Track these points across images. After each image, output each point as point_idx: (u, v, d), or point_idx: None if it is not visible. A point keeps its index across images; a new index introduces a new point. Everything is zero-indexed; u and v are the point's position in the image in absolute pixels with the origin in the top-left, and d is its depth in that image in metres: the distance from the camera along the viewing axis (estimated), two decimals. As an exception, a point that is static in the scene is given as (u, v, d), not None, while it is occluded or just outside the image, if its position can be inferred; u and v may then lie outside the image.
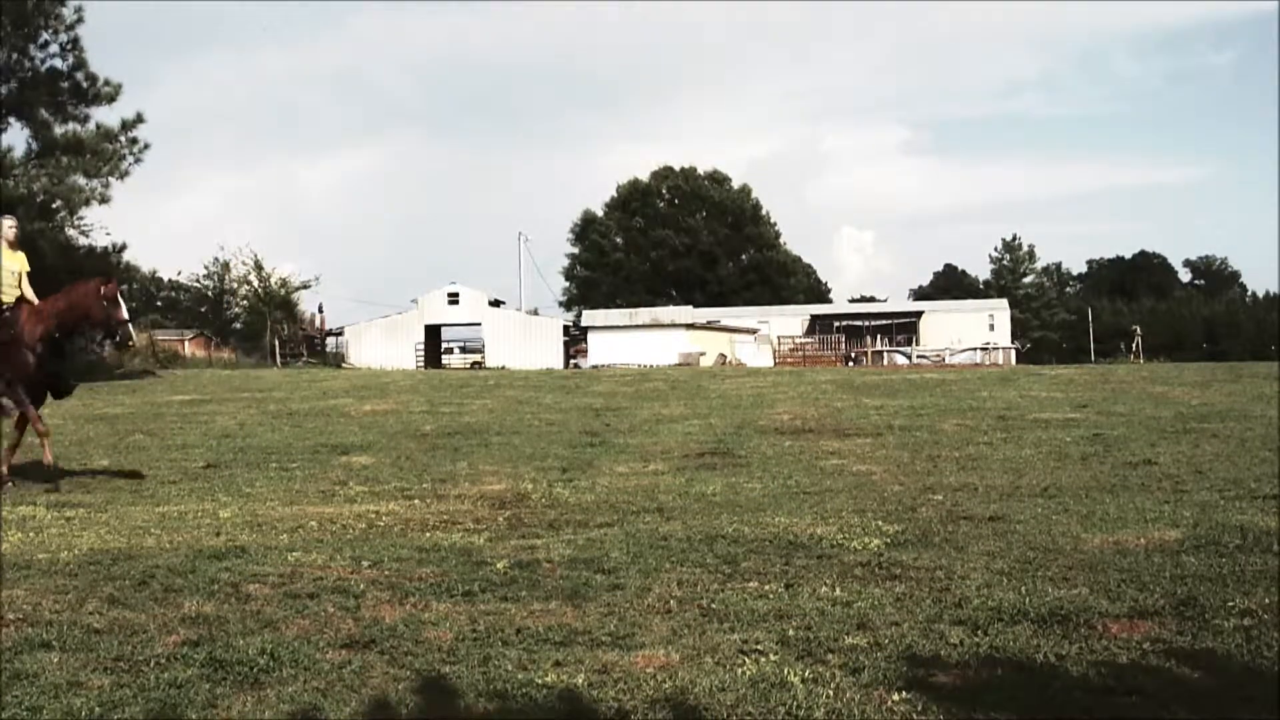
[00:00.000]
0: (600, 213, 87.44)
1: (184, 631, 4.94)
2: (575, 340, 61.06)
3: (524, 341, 58.15)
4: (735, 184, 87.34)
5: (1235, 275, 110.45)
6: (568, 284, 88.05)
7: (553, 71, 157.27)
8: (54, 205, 29.72)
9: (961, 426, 13.61)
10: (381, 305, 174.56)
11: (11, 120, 30.58)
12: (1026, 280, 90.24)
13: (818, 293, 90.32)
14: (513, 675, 4.29)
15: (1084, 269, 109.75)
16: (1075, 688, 4.08)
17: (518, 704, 4.02)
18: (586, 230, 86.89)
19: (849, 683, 4.14)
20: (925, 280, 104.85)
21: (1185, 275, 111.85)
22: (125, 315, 10.04)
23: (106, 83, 31.08)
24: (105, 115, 31.62)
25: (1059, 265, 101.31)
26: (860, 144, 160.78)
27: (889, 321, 65.58)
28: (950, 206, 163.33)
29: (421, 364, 55.99)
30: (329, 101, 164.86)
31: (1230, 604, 5.04)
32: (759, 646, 4.58)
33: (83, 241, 30.92)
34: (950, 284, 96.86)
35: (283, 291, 59.01)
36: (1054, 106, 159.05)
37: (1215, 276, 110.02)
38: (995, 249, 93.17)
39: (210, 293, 67.03)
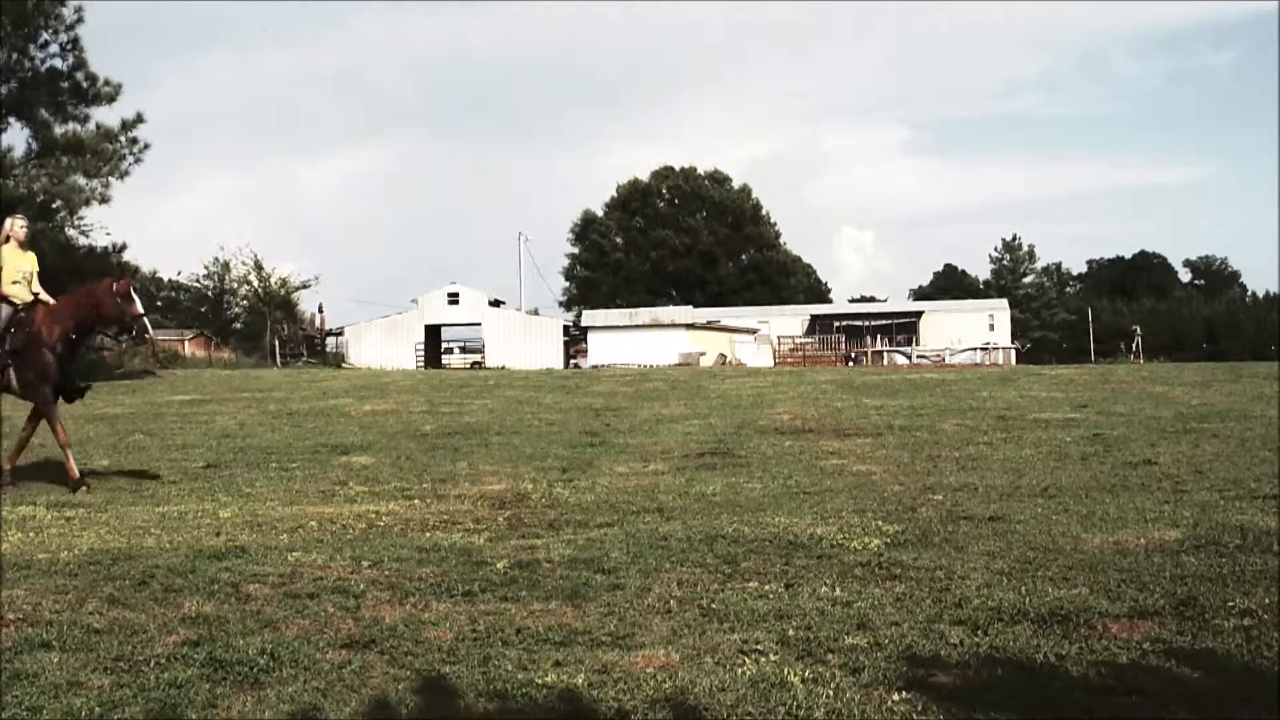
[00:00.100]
0: (600, 213, 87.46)
1: (184, 631, 4.94)
2: (575, 340, 61.06)
3: (524, 341, 58.15)
4: (735, 184, 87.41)
5: (1235, 275, 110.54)
6: (568, 284, 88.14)
7: (553, 71, 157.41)
8: (54, 205, 29.71)
9: (961, 426, 13.61)
10: (381, 305, 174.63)
11: (11, 120, 30.58)
12: (1026, 280, 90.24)
13: (818, 293, 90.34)
14: (513, 675, 4.29)
15: (1084, 269, 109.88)
16: (1075, 688, 4.08)
17: (518, 704, 4.02)
18: (586, 230, 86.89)
19: (849, 683, 4.14)
20: (925, 280, 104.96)
21: (1185, 275, 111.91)
22: (140, 310, 10.03)
23: (106, 83, 31.08)
24: (105, 115, 31.62)
25: (1059, 265, 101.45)
26: (860, 144, 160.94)
27: (889, 321, 65.59)
28: (950, 206, 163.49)
29: (421, 364, 55.99)
30: (329, 101, 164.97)
31: (1230, 604, 5.04)
32: (759, 646, 4.58)
33: (83, 241, 30.93)
34: (950, 284, 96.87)
35: (283, 291, 59.02)
36: (1054, 106, 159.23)
37: (1215, 276, 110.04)
38: (995, 249, 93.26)
39: (210, 293, 67.03)
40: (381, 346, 57.56)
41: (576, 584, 5.74)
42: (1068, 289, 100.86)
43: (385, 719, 3.95)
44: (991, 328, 62.24)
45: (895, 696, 3.98)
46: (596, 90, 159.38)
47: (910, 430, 13.35)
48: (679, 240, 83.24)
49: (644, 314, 58.49)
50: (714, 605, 5.27)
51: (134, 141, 31.06)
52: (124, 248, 32.00)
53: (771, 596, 5.43)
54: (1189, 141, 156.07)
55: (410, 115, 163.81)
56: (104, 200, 30.32)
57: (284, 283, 59.22)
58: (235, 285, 63.20)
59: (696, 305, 66.07)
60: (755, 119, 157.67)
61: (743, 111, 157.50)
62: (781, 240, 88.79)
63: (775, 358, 56.07)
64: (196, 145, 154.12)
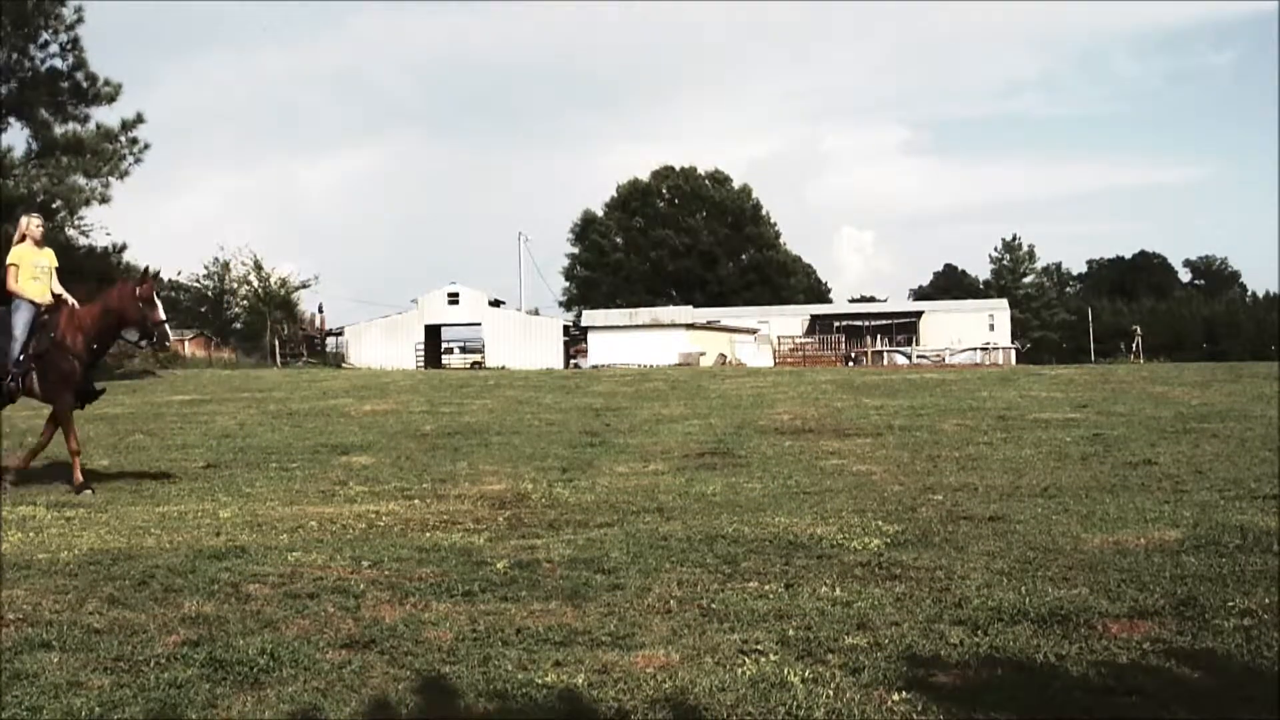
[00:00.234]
0: (600, 213, 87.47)
1: (184, 631, 4.94)
2: (575, 340, 61.06)
3: (524, 341, 58.15)
4: (735, 184, 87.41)
5: (1235, 275, 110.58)
6: (568, 284, 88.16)
7: (553, 71, 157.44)
8: (54, 205, 29.71)
9: (961, 426, 13.61)
10: (381, 305, 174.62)
11: (11, 120, 30.58)
12: (1026, 280, 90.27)
13: (818, 293, 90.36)
14: (513, 675, 4.29)
15: (1084, 269, 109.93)
16: (1075, 688, 4.08)
17: (518, 704, 4.02)
18: (586, 230, 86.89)
19: (849, 683, 4.14)
20: (925, 280, 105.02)
21: (1185, 275, 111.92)
22: (162, 316, 9.98)
23: (106, 83, 31.09)
24: (105, 115, 31.63)
25: (1059, 265, 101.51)
26: (860, 144, 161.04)
27: (889, 321, 65.59)
28: (950, 206, 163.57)
29: (421, 364, 55.99)
30: (329, 101, 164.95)
31: (1230, 604, 5.04)
32: (759, 646, 4.58)
33: (83, 241, 30.96)
34: (950, 284, 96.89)
35: (282, 291, 59.02)
36: (1054, 106, 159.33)
37: (1215, 276, 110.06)
38: (995, 249, 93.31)
39: (210, 293, 67.01)
40: (381, 346, 57.56)
41: (576, 584, 5.74)
42: (1068, 289, 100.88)
43: (385, 719, 3.95)
44: (991, 328, 62.25)
45: (895, 696, 3.98)
46: (596, 90, 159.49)
47: (910, 430, 13.35)
48: (679, 240, 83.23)
49: (644, 314, 58.49)
50: (714, 605, 5.27)
51: (134, 141, 31.08)
52: (124, 248, 32.06)
53: (771, 596, 5.42)
54: (1189, 141, 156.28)
55: (410, 115, 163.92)
56: (104, 200, 30.34)
57: (284, 283, 59.23)
58: (235, 285, 63.22)
59: (696, 305, 66.07)
60: (755, 119, 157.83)
61: (743, 111, 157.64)
62: (781, 240, 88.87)
63: (775, 358, 56.06)
64: (196, 145, 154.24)
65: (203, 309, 68.10)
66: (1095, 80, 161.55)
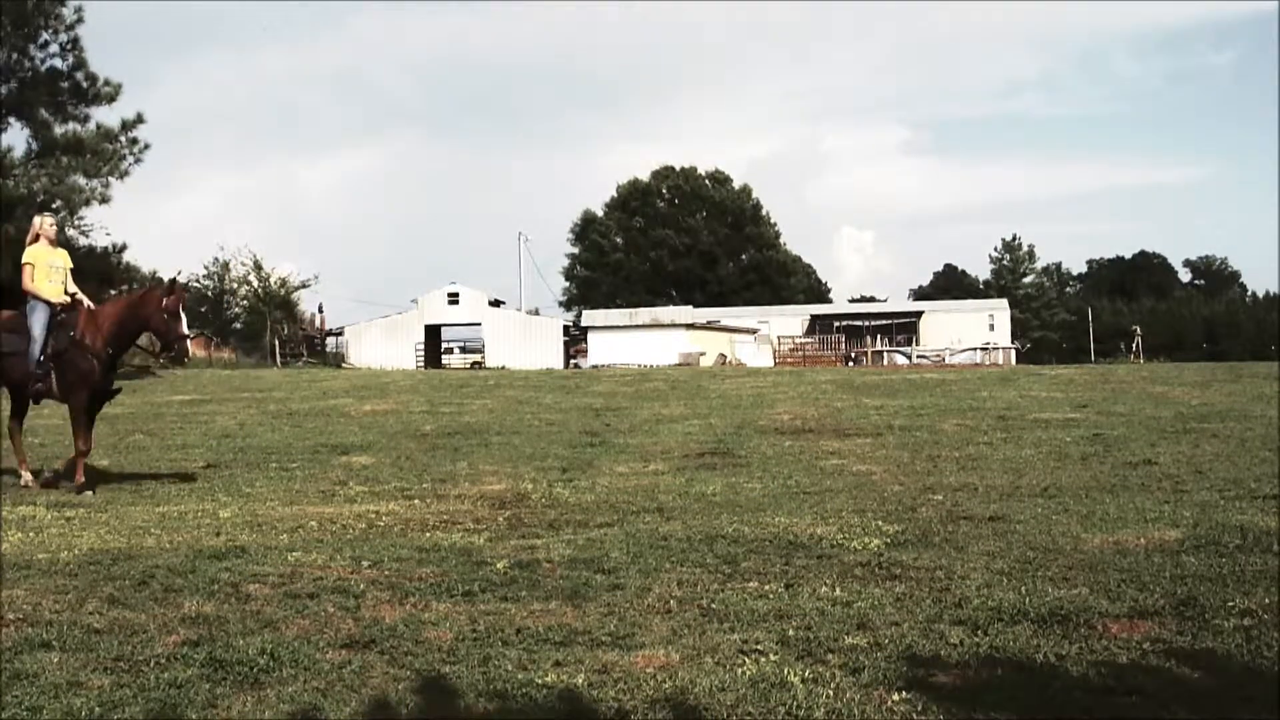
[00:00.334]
0: (600, 213, 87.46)
1: (184, 631, 4.94)
2: (575, 340, 61.05)
3: (524, 341, 58.15)
4: (735, 184, 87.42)
5: (1235, 275, 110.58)
6: (568, 284, 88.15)
7: (553, 71, 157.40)
8: (54, 205, 29.71)
9: (961, 426, 13.61)
10: (381, 305, 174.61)
11: (11, 120, 30.58)
12: (1026, 280, 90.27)
13: (818, 293, 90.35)
14: (513, 675, 4.29)
15: (1084, 269, 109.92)
16: (1075, 688, 4.08)
17: (518, 704, 4.02)
18: (586, 230, 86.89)
19: (849, 683, 4.14)
20: (925, 280, 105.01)
21: (1185, 275, 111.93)
22: (185, 330, 9.86)
23: (106, 83, 31.08)
24: (105, 115, 31.63)
25: (1059, 265, 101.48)
26: (860, 144, 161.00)
27: (889, 321, 65.59)
28: (950, 206, 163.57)
29: (421, 364, 55.99)
30: (329, 101, 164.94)
31: (1230, 604, 5.05)
32: (759, 646, 4.58)
33: (83, 241, 30.96)
34: (950, 284, 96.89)
35: (282, 291, 59.01)
36: (1054, 106, 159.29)
37: (1215, 276, 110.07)
38: (995, 249, 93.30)
39: (210, 293, 66.97)
40: (381, 346, 57.56)
41: (576, 584, 5.74)
42: (1068, 289, 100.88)
43: (385, 719, 3.95)
44: (991, 328, 62.25)
45: (895, 696, 3.98)
46: (596, 90, 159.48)
47: (910, 430, 13.35)
48: (679, 240, 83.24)
49: (644, 314, 58.48)
50: (714, 605, 5.27)
51: (134, 141, 31.08)
52: (124, 248, 32.06)
53: (771, 596, 5.43)
54: (1189, 141, 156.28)
55: (410, 115, 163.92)
56: (104, 200, 30.35)
57: (284, 283, 59.20)
58: (235, 285, 63.18)
59: (696, 305, 66.07)
60: (755, 119, 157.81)
61: (743, 111, 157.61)
62: (781, 240, 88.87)
63: (775, 358, 56.06)
64: (196, 145, 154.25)
65: (202, 309, 68.06)
66: (1095, 80, 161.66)
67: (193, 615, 5.21)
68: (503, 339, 58.85)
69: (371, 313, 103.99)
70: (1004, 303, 68.64)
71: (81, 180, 29.75)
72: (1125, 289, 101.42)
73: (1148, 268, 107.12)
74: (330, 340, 63.82)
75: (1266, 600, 5.07)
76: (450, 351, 66.09)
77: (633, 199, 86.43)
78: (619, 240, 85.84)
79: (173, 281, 10.04)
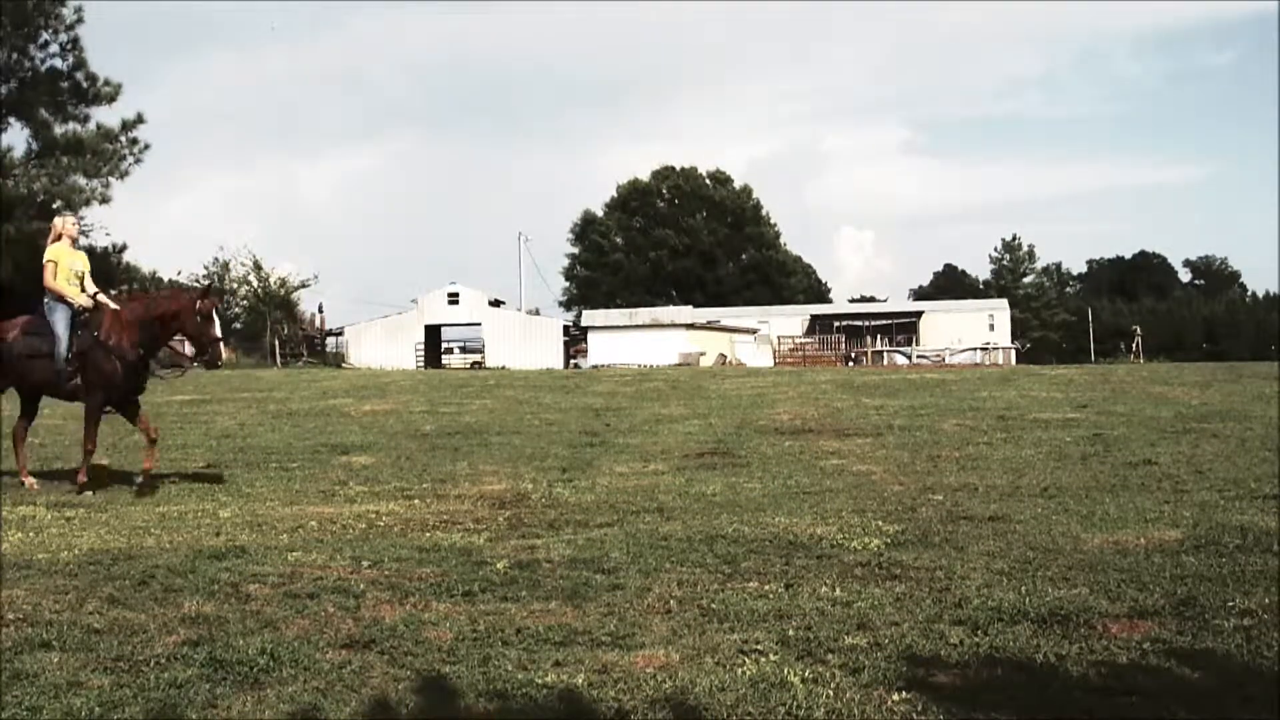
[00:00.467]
0: (600, 213, 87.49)
1: (184, 631, 4.94)
2: (575, 340, 61.06)
3: (524, 341, 58.16)
4: (735, 184, 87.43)
5: (1235, 275, 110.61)
6: (568, 284, 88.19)
7: (553, 71, 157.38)
8: (54, 205, 29.73)
9: (961, 426, 13.61)
10: (381, 305, 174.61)
11: (11, 120, 30.60)
12: (1026, 280, 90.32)
13: (818, 293, 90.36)
14: (513, 675, 4.29)
15: (1084, 269, 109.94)
16: (1075, 688, 4.08)
17: (518, 704, 4.02)
18: (586, 230, 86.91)
19: (849, 683, 4.14)
20: (925, 280, 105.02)
21: (1185, 275, 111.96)
22: (218, 334, 9.82)
23: (106, 83, 31.14)
24: (105, 115, 31.67)
25: (1059, 265, 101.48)
26: (860, 144, 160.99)
27: (889, 321, 65.60)
28: (950, 206, 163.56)
29: (421, 364, 55.99)
30: (329, 101, 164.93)
31: (1230, 604, 5.05)
32: (759, 646, 4.58)
33: (83, 242, 30.97)
34: (950, 284, 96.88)
35: (282, 291, 59.01)
36: (1054, 106, 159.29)
37: (1215, 276, 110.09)
38: (995, 249, 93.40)
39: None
40: (381, 346, 57.57)
41: (576, 584, 5.74)
42: (1068, 289, 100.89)
43: (385, 719, 3.95)
44: (991, 328, 62.27)
45: (895, 696, 3.99)
46: (596, 90, 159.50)
47: (910, 430, 13.35)
48: (679, 240, 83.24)
49: (644, 314, 58.49)
50: (714, 605, 5.27)
51: (134, 141, 31.15)
52: (124, 248, 32.14)
53: (771, 596, 5.43)
54: (1189, 141, 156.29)
55: (410, 115, 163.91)
56: (104, 200, 30.42)
57: (284, 283, 59.21)
58: (235, 285, 63.18)
59: (696, 305, 66.07)
60: (755, 119, 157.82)
61: (743, 111, 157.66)
62: (781, 240, 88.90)
63: (775, 358, 56.07)
64: (196, 145, 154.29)
65: (203, 309, 67.95)
66: (1095, 80, 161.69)
67: (193, 615, 5.21)
68: (503, 339, 58.87)
69: (371, 313, 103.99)
70: (1004, 303, 68.66)
71: (81, 180, 29.80)
72: (1125, 289, 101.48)
73: (1148, 268, 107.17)
74: (330, 340, 63.82)
75: (1266, 600, 5.07)
76: (450, 351, 66.06)
77: (633, 199, 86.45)
78: (619, 240, 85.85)
79: (208, 286, 10.01)
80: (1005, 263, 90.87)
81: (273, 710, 3.98)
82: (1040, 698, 3.97)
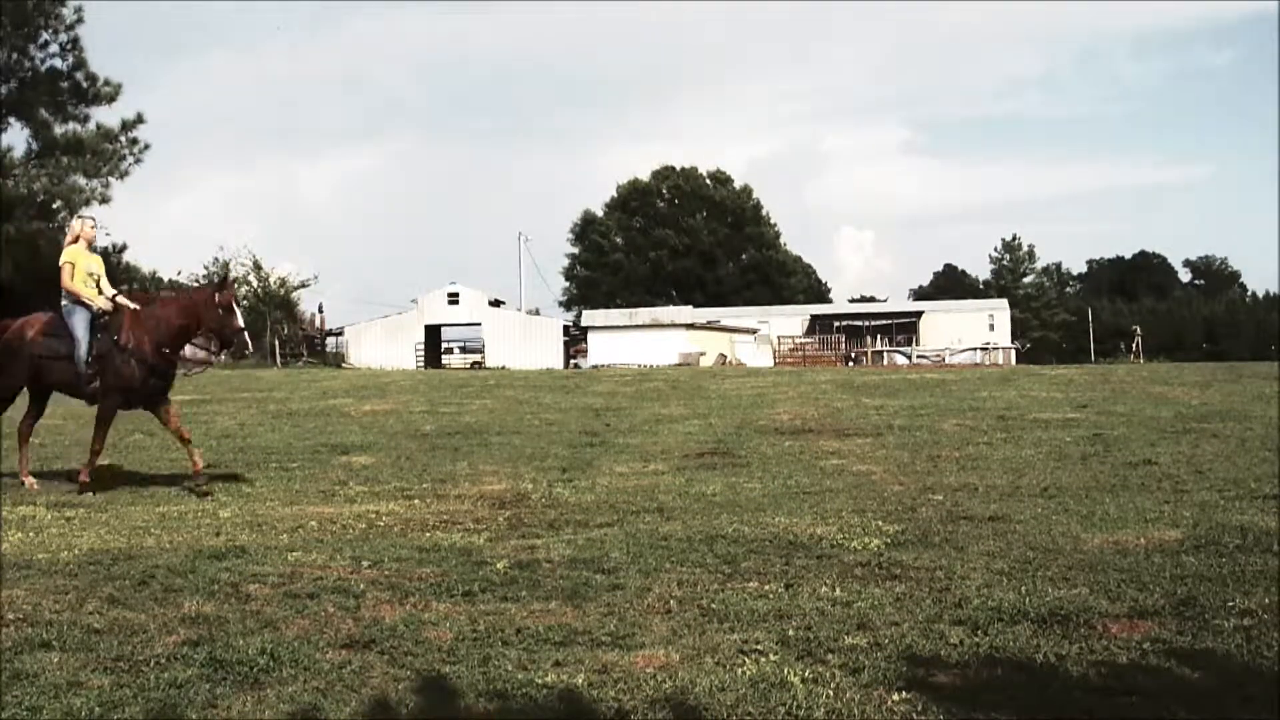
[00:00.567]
0: (600, 213, 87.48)
1: (184, 631, 4.94)
2: (575, 340, 61.06)
3: (524, 341, 58.16)
4: (735, 184, 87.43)
5: (1235, 275, 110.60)
6: (568, 284, 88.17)
7: (553, 71, 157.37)
8: (54, 205, 29.76)
9: (961, 426, 13.61)
10: (381, 305, 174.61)
11: (11, 120, 30.60)
12: (1026, 280, 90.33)
13: (818, 293, 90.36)
14: (513, 675, 4.29)
15: (1084, 269, 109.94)
16: (1075, 688, 4.08)
17: (518, 704, 4.02)
18: (586, 230, 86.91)
19: (849, 683, 4.14)
20: (925, 280, 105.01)
21: (1185, 275, 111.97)
22: (241, 324, 9.75)
23: (106, 83, 31.15)
24: (105, 115, 31.68)
25: (1059, 265, 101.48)
26: (860, 144, 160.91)
27: (889, 321, 65.61)
28: (950, 206, 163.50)
29: (421, 364, 55.99)
30: (329, 101, 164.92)
31: (1230, 604, 5.05)
32: (759, 646, 4.58)
33: (83, 242, 30.94)
34: (950, 284, 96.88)
35: (282, 291, 58.99)
36: (1054, 106, 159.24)
37: (1215, 276, 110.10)
38: (995, 249, 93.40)
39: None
40: (381, 346, 57.57)
41: (576, 584, 5.74)
42: (1068, 289, 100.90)
43: (385, 719, 3.95)
44: (991, 328, 62.27)
45: (895, 696, 3.99)
46: (596, 90, 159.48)
47: (910, 430, 13.35)
48: (679, 240, 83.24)
49: (644, 314, 58.49)
50: (714, 605, 5.27)
51: (134, 141, 31.17)
52: (124, 248, 32.14)
53: (771, 596, 5.43)
54: (1189, 141, 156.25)
55: (410, 115, 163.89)
56: (104, 200, 30.44)
57: (283, 283, 59.19)
58: (235, 285, 63.15)
59: (696, 305, 66.07)
60: (755, 119, 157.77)
61: (743, 111, 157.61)
62: (781, 240, 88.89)
63: (775, 358, 56.07)
64: (196, 145, 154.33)
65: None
66: (1095, 80, 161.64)
67: (193, 615, 5.21)
68: (503, 339, 58.86)
69: (371, 313, 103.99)
70: (1004, 303, 68.67)
71: (81, 180, 29.81)
72: (1125, 289, 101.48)
73: (1148, 268, 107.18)
74: (330, 340, 63.81)
75: (1266, 600, 5.08)
76: (450, 351, 66.09)
77: (633, 199, 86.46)
78: (619, 240, 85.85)
79: (223, 278, 9.99)
80: (1005, 263, 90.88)
81: (273, 710, 3.98)
82: (1040, 698, 3.97)
